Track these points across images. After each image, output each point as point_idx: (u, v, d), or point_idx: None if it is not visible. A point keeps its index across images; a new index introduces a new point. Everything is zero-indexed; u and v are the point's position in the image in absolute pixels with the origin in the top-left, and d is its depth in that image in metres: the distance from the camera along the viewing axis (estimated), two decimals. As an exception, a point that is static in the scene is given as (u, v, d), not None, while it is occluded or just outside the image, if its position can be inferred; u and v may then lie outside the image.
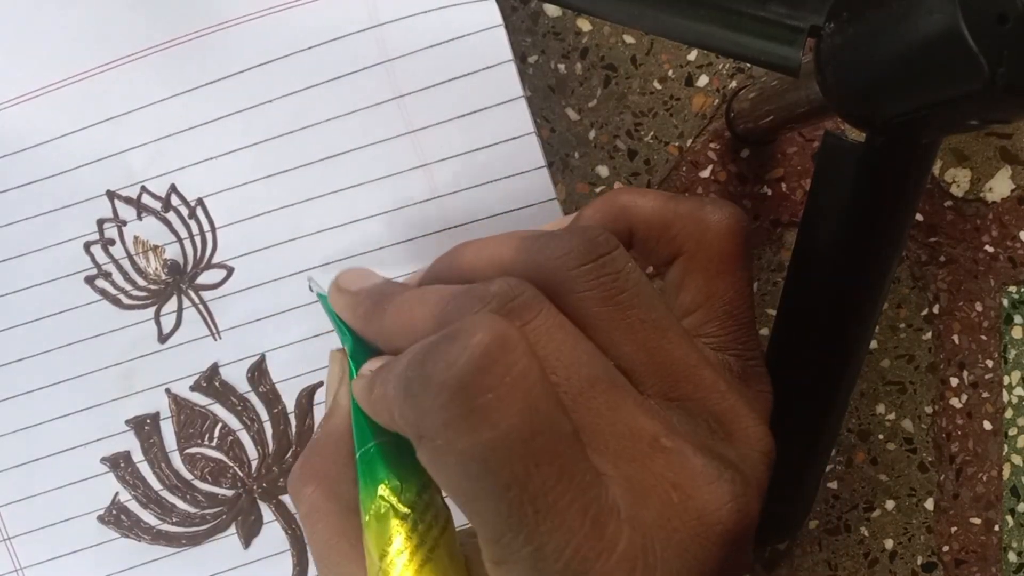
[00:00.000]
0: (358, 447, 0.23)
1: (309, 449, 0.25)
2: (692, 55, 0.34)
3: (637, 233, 0.24)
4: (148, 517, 0.31)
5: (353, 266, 0.29)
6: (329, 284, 0.27)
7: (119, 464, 0.31)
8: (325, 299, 0.28)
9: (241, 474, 0.31)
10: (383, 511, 0.22)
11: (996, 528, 0.35)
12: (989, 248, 0.35)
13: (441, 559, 0.21)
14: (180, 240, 0.30)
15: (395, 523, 0.21)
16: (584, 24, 0.34)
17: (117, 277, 0.30)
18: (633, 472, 0.20)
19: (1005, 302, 0.35)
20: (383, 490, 0.22)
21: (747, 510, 0.20)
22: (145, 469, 0.31)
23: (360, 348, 0.25)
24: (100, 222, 0.30)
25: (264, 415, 0.31)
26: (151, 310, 0.30)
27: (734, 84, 0.34)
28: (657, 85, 0.34)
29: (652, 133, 0.34)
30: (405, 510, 0.21)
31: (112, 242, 0.30)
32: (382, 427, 0.22)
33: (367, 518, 0.22)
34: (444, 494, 0.22)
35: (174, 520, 0.31)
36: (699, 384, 0.21)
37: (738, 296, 0.23)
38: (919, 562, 0.35)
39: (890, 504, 0.35)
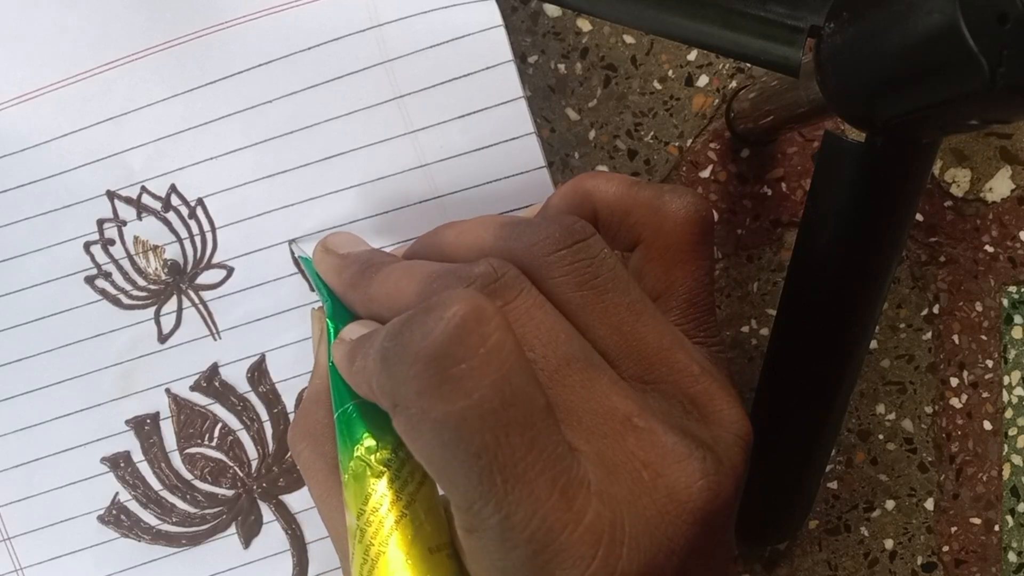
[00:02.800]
0: (336, 408, 0.23)
1: (300, 409, 0.25)
2: (692, 55, 0.34)
3: (600, 218, 0.24)
4: (148, 517, 0.31)
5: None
6: (315, 246, 0.27)
7: (119, 464, 0.31)
8: (308, 262, 0.28)
9: (241, 474, 0.31)
10: (360, 470, 0.22)
11: (996, 528, 0.35)
12: (989, 248, 0.35)
13: (417, 515, 0.21)
14: (180, 240, 0.30)
15: (371, 482, 0.22)
16: (584, 24, 0.34)
17: (117, 277, 0.30)
18: (605, 449, 0.20)
19: (1005, 302, 0.35)
20: (359, 450, 0.22)
21: (719, 489, 0.20)
22: (145, 469, 0.31)
23: (339, 310, 0.25)
24: (100, 222, 0.30)
25: (264, 415, 0.31)
26: (151, 310, 0.30)
27: (734, 84, 0.34)
28: (657, 85, 0.34)
29: (652, 133, 0.34)
30: (380, 468, 0.22)
31: (112, 242, 0.30)
32: None
33: (346, 477, 0.22)
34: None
35: (174, 520, 0.31)
36: (673, 367, 0.22)
37: (697, 285, 0.24)
38: (919, 562, 0.35)
39: (890, 504, 0.35)
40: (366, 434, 0.22)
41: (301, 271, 0.30)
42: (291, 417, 0.31)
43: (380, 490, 0.22)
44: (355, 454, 0.22)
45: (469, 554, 0.20)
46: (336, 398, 0.24)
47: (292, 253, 0.30)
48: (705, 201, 0.24)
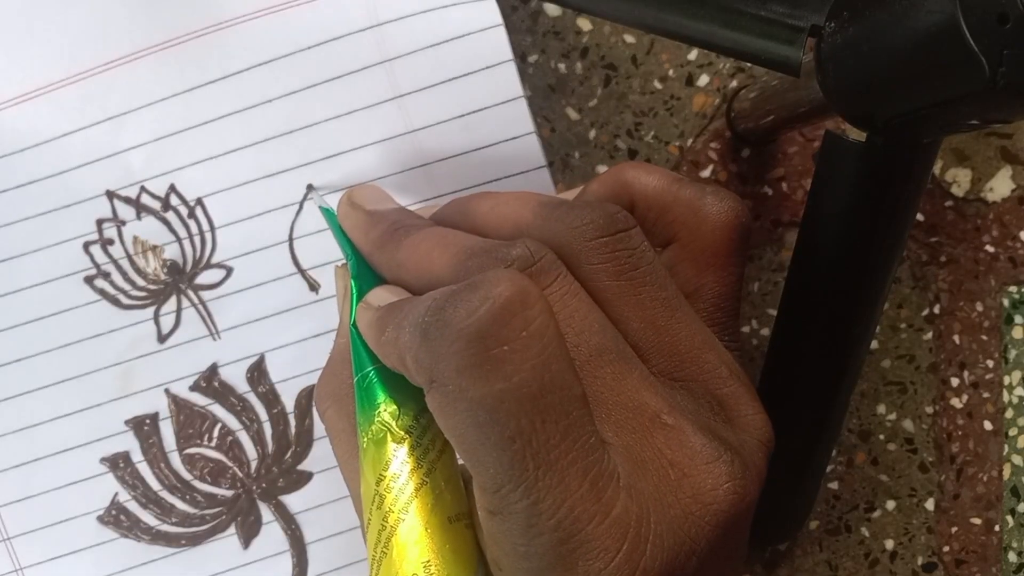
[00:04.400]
0: (356, 371, 0.23)
1: (325, 368, 0.25)
2: (692, 54, 0.34)
3: (637, 211, 0.24)
4: (147, 517, 0.31)
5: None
6: (340, 199, 0.27)
7: (118, 464, 0.31)
8: (330, 213, 0.27)
9: (240, 474, 0.31)
10: (380, 435, 0.22)
11: (996, 528, 0.35)
12: (990, 248, 0.35)
13: (437, 483, 0.21)
14: (179, 240, 0.30)
15: (392, 447, 0.21)
16: (584, 23, 0.34)
17: (116, 277, 0.30)
18: (633, 444, 0.20)
19: (1006, 302, 0.35)
20: (380, 415, 0.22)
21: (744, 493, 0.20)
22: (144, 469, 0.31)
23: (363, 270, 0.25)
24: (99, 222, 0.30)
25: (263, 415, 0.31)
26: (150, 310, 0.30)
27: (735, 84, 0.34)
28: (657, 84, 0.34)
29: (652, 133, 0.34)
30: (402, 434, 0.22)
31: (111, 242, 0.30)
32: None
33: (364, 443, 0.22)
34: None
35: (173, 520, 0.31)
36: (703, 367, 0.22)
37: (727, 290, 0.24)
38: (919, 562, 0.35)
39: (891, 504, 0.35)
40: (387, 399, 0.22)
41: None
42: (290, 417, 0.31)
43: (401, 457, 0.21)
44: (376, 419, 0.22)
45: (490, 536, 0.20)
46: (356, 362, 0.23)
47: (310, 198, 0.29)
48: (745, 207, 0.24)
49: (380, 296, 0.23)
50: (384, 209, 0.26)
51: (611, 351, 0.20)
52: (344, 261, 0.26)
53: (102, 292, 0.30)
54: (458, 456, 0.21)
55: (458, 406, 0.18)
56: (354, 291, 0.24)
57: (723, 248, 0.23)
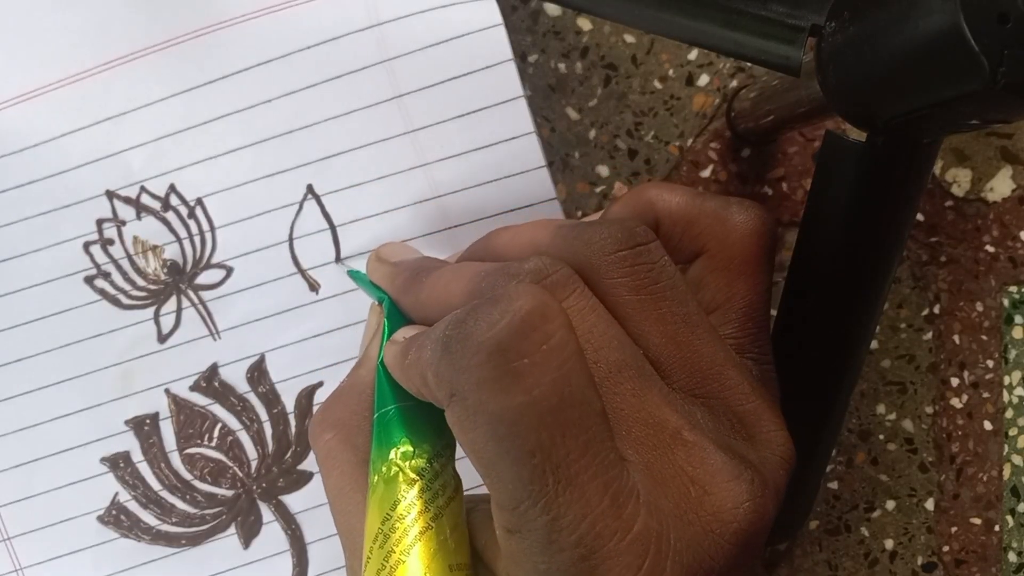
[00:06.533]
0: (377, 408, 0.23)
1: (334, 395, 0.25)
2: (692, 54, 0.34)
3: (662, 228, 0.24)
4: (148, 517, 0.31)
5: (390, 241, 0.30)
6: (368, 257, 0.28)
7: (119, 464, 0.31)
8: (358, 275, 0.28)
9: (241, 474, 0.31)
10: (392, 474, 0.22)
11: (996, 528, 0.35)
12: (990, 248, 0.35)
13: (442, 529, 0.21)
14: (179, 240, 0.30)
15: (402, 488, 0.22)
16: (584, 23, 0.34)
17: (116, 277, 0.30)
18: (653, 460, 0.20)
19: (1006, 302, 0.35)
20: (395, 454, 0.22)
21: (763, 512, 0.20)
22: (145, 469, 0.31)
23: (395, 312, 0.25)
24: (99, 222, 0.30)
25: (264, 415, 0.31)
26: (150, 310, 0.30)
27: (735, 83, 0.34)
28: (657, 84, 0.34)
29: (652, 132, 0.34)
30: (413, 476, 0.22)
31: (111, 242, 0.30)
32: (404, 391, 0.22)
33: (375, 479, 0.22)
34: (464, 458, 0.22)
35: (174, 520, 0.31)
36: (724, 383, 0.21)
37: (757, 299, 0.23)
38: (919, 562, 0.35)
39: (890, 504, 0.35)
40: (404, 439, 0.22)
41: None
42: (291, 418, 0.31)
43: (410, 498, 0.21)
44: (390, 457, 0.22)
45: (508, 556, 0.20)
46: (379, 398, 0.23)
47: (340, 263, 0.30)
48: (771, 215, 0.24)
49: (407, 333, 0.23)
50: (407, 259, 0.26)
51: (631, 367, 0.20)
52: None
53: (102, 292, 0.30)
54: (474, 475, 0.21)
55: (478, 420, 0.18)
56: (386, 329, 0.24)
57: (752, 255, 0.23)
